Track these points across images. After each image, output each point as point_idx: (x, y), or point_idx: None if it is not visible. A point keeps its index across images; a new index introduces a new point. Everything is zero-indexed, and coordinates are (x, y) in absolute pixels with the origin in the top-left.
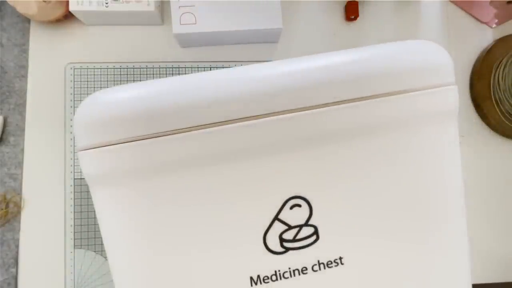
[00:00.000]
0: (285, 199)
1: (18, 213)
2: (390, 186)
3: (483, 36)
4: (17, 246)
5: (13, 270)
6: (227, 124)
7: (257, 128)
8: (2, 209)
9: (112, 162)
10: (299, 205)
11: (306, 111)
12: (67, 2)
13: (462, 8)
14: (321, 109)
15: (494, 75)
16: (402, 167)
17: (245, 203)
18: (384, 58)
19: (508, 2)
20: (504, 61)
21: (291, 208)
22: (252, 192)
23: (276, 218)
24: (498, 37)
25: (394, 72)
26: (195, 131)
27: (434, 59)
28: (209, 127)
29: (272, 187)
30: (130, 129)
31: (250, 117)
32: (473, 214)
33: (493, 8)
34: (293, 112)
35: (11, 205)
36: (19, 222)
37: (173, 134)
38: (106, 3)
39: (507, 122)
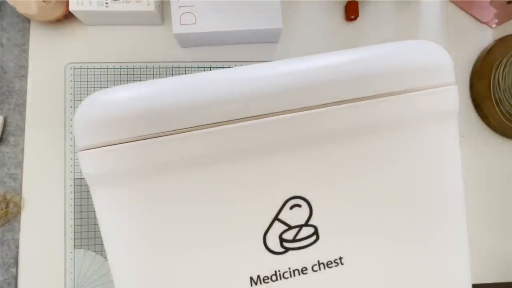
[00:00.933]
0: (285, 199)
1: (18, 213)
2: (390, 186)
3: (483, 36)
4: (17, 246)
5: (13, 270)
6: (227, 124)
7: (257, 128)
8: (2, 209)
9: (112, 162)
10: (299, 205)
11: (306, 111)
12: (67, 2)
13: (462, 8)
14: (321, 109)
15: (494, 75)
16: (402, 167)
17: (245, 203)
18: (384, 58)
19: (508, 2)
20: (504, 61)
21: (291, 208)
22: (252, 192)
23: (276, 218)
24: (498, 37)
25: (394, 72)
26: (195, 131)
27: (434, 59)
28: (209, 127)
29: (272, 187)
30: (130, 129)
31: (250, 117)
32: (473, 214)
33: (493, 8)
34: (293, 112)
35: (11, 205)
36: (19, 222)
37: (173, 134)
38: (106, 3)
39: (507, 122)
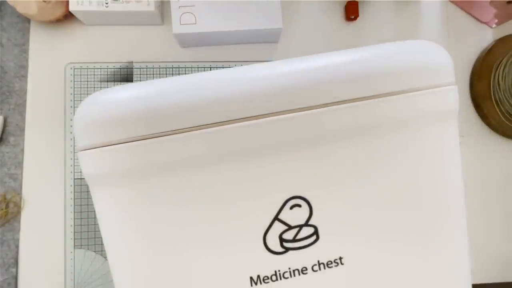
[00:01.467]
0: (285, 199)
1: (18, 213)
2: (390, 186)
3: (483, 36)
4: (17, 246)
5: (13, 270)
6: (227, 124)
7: (258, 128)
8: (2, 209)
9: (112, 162)
10: (299, 205)
11: (306, 111)
12: (67, 2)
13: (462, 8)
14: (321, 109)
15: (494, 75)
16: (402, 167)
17: (245, 203)
18: (384, 58)
19: (508, 2)
20: (504, 61)
21: (291, 208)
22: (252, 192)
23: (276, 218)
24: (498, 37)
25: (394, 72)
26: (195, 131)
27: (434, 59)
28: (209, 127)
29: (272, 187)
30: (130, 129)
31: (250, 117)
32: (473, 214)
33: (493, 8)
34: (293, 112)
35: (11, 205)
36: (19, 222)
37: (173, 134)
38: (106, 3)
39: (507, 122)
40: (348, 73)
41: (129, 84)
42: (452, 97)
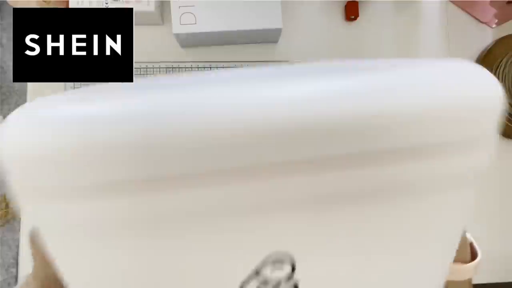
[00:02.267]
0: (266, 253)
1: (18, 213)
2: (388, 253)
3: (483, 36)
4: (17, 246)
5: (13, 270)
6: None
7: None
8: (2, 209)
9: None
10: (281, 261)
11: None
12: (67, 2)
13: (462, 8)
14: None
15: (494, 75)
16: (405, 237)
17: (224, 256)
18: (415, 92)
19: (508, 2)
20: (504, 61)
21: (272, 263)
22: (234, 246)
23: (255, 272)
24: (498, 37)
25: (431, 116)
26: (159, 183)
27: (485, 95)
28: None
29: (255, 241)
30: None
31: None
32: (473, 214)
33: (493, 8)
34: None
35: (11, 205)
36: (19, 222)
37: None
38: (106, 3)
39: (507, 123)
40: (356, 118)
41: (69, 92)
42: (490, 151)
